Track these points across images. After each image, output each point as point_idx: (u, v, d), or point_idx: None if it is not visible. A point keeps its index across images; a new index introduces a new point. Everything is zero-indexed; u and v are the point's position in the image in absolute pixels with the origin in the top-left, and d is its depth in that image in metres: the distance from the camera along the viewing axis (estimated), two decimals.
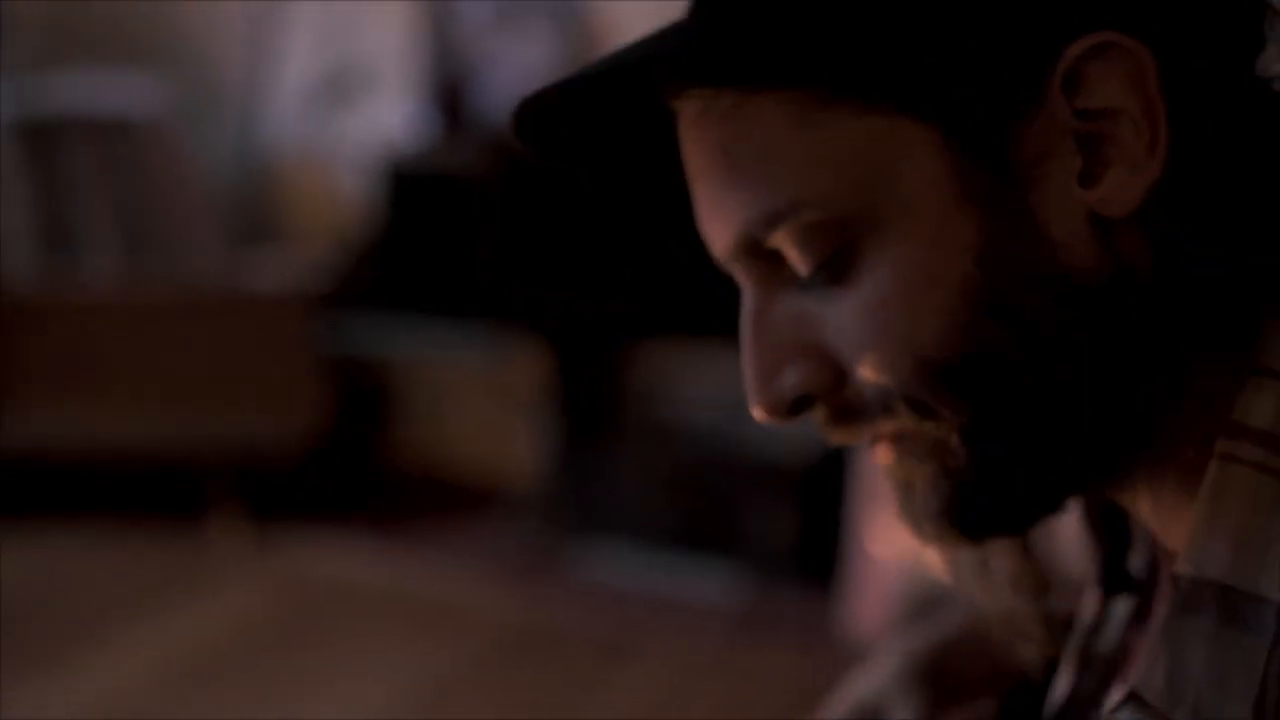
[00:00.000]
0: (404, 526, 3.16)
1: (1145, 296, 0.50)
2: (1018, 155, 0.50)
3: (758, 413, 0.55)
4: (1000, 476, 0.53)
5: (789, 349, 0.54)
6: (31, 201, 3.05)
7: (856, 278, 0.52)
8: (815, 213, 0.51)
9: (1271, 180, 0.51)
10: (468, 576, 2.87)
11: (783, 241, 0.53)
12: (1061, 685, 0.64)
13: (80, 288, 3.09)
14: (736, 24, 0.52)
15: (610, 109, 0.56)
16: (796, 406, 0.55)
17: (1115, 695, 0.53)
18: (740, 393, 0.57)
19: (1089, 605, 0.64)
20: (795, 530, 2.70)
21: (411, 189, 3.12)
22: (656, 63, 0.53)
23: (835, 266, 0.52)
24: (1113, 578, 0.63)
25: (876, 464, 0.57)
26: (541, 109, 0.55)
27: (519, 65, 3.12)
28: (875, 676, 0.72)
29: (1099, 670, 0.63)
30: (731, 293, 0.60)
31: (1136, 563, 0.62)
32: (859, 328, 0.52)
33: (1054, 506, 0.55)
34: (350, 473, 3.37)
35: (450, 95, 3.20)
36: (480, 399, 3.41)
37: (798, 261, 0.53)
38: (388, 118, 3.30)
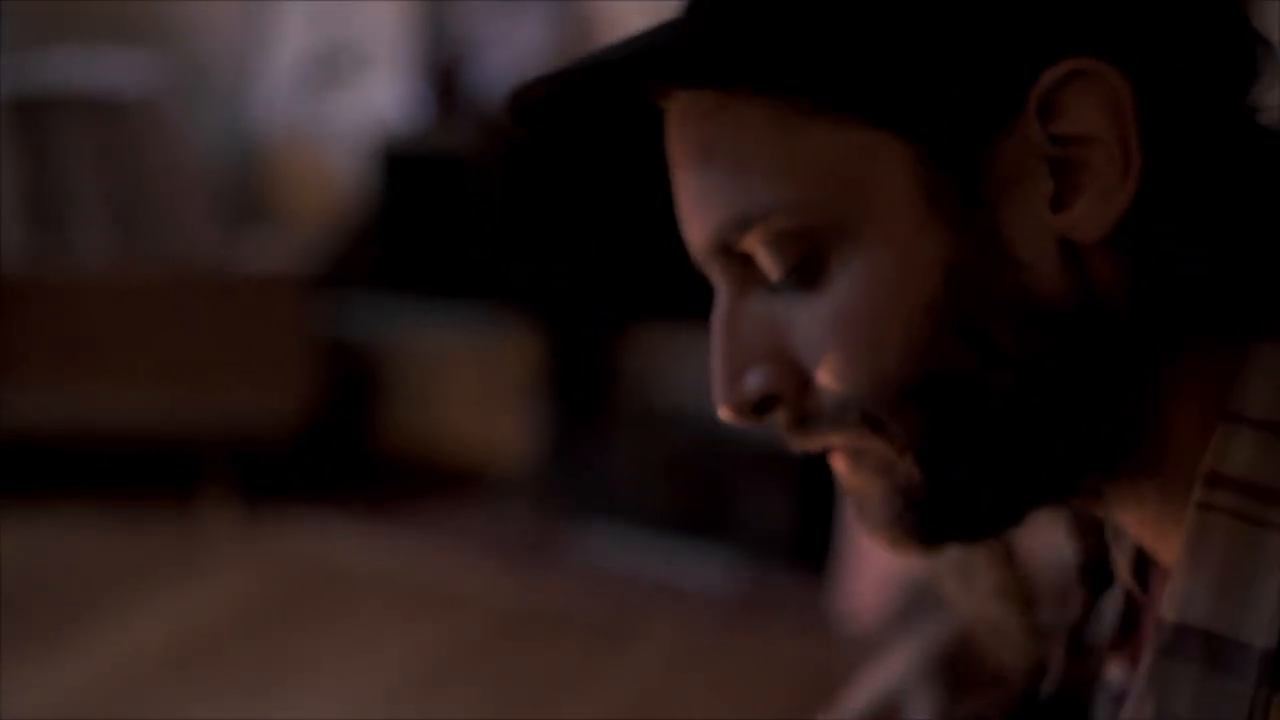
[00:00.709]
0: (397, 509, 3.15)
1: (1114, 322, 0.51)
2: (990, 176, 0.50)
3: (723, 412, 0.56)
4: (955, 495, 0.53)
5: (756, 351, 0.55)
6: (23, 180, 3.03)
7: (826, 284, 0.52)
8: (787, 219, 0.52)
9: (1249, 210, 0.51)
10: (461, 559, 2.87)
11: (754, 245, 0.53)
12: (1052, 674, 0.66)
13: (72, 267, 3.07)
14: (725, 29, 0.52)
15: (601, 102, 0.57)
16: (760, 408, 0.55)
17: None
18: None
19: (1074, 603, 0.65)
20: (790, 515, 2.71)
21: (405, 170, 3.10)
22: (645, 60, 0.54)
23: (805, 271, 0.52)
24: (1097, 578, 0.64)
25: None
26: (534, 98, 0.55)
27: (513, 46, 3.11)
28: (893, 670, 0.72)
29: (1095, 657, 0.64)
30: None
31: (1119, 560, 0.63)
32: (823, 334, 0.52)
33: (1013, 520, 0.55)
34: (343, 454, 3.36)
35: (444, 76, 3.18)
36: (474, 381, 3.41)
37: (768, 265, 0.53)
38: (381, 98, 3.28)
